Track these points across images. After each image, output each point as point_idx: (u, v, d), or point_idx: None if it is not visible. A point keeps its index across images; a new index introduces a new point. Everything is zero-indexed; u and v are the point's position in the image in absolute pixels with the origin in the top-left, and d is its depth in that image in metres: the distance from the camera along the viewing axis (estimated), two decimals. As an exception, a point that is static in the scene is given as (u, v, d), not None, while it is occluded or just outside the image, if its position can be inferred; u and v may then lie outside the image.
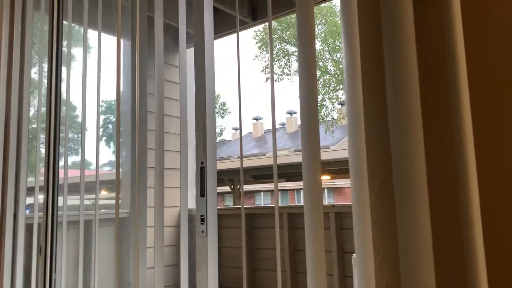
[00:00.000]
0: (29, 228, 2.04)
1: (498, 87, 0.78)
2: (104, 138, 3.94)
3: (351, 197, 0.88)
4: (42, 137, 2.86)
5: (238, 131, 22.64)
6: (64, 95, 2.09)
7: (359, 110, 0.88)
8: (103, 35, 2.06)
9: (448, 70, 0.81)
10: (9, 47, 2.13)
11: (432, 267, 0.75)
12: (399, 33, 0.84)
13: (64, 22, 2.20)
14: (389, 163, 0.83)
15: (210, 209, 1.22)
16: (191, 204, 4.21)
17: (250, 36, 18.53)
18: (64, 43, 2.12)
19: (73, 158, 2.64)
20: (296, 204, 16.38)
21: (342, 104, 15.79)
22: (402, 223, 0.80)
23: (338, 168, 9.48)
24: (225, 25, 4.10)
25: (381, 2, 0.88)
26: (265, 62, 17.49)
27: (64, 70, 2.12)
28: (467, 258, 0.72)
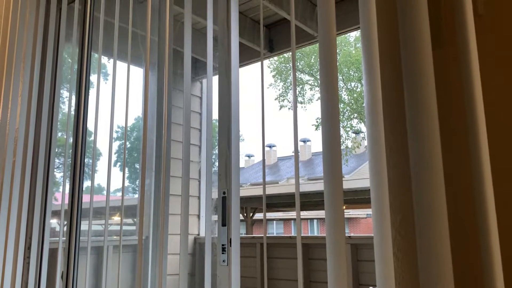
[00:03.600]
0: (50, 252, 2.09)
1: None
2: (128, 165, 4.03)
3: (373, 231, 0.91)
4: (57, 161, 2.96)
5: (252, 158, 22.65)
6: (88, 123, 2.18)
7: (380, 146, 0.92)
8: (121, 64, 2.17)
9: (466, 108, 0.85)
10: (40, 74, 2.25)
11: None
12: (418, 75, 0.89)
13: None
14: (410, 198, 0.87)
15: (233, 239, 1.25)
16: (200, 231, 4.19)
17: (264, 65, 18.84)
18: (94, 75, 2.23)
19: (89, 183, 2.71)
20: (309, 235, 16.12)
21: (356, 132, 15.76)
22: (422, 257, 0.83)
23: (353, 198, 9.36)
24: (243, 55, 4.26)
25: (401, 46, 0.93)
26: (279, 90, 17.70)
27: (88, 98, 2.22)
28: (488, 293, 0.74)
